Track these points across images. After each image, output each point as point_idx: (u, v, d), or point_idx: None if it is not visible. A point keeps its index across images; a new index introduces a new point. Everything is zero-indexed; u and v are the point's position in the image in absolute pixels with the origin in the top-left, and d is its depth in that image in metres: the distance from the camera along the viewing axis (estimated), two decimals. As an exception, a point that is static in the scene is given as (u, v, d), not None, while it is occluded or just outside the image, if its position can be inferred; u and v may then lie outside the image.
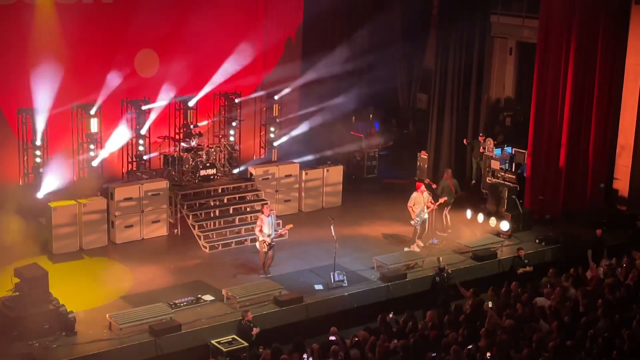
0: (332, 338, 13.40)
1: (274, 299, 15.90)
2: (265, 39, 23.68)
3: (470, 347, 12.87)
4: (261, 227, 17.00)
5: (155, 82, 21.27)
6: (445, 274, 16.98)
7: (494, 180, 21.31)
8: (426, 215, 18.83)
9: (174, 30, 21.52)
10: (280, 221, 18.67)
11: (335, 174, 21.90)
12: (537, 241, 19.39)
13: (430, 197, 18.92)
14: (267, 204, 18.40)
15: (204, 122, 21.96)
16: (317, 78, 23.78)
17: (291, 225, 17.70)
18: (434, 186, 20.43)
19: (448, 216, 20.05)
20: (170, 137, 21.45)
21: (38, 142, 19.44)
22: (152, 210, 19.15)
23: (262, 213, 17.25)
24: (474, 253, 18.50)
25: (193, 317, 15.17)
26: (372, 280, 17.16)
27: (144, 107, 21.02)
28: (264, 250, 17.05)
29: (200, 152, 20.31)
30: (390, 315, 14.59)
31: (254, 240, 18.99)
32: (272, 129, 23.88)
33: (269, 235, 16.97)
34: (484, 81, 24.35)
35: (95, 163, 20.33)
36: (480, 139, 23.13)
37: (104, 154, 20.52)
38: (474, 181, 23.58)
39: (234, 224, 19.51)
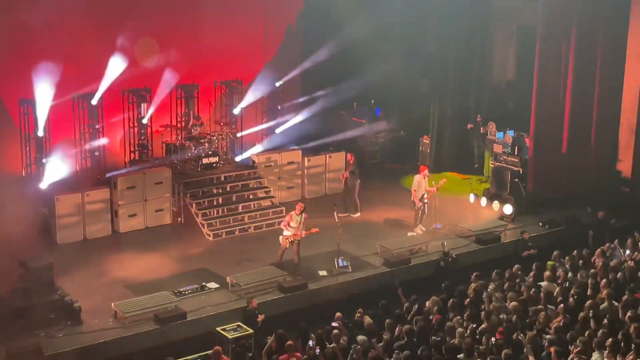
0: (334, 324, 13.42)
1: (278, 285, 15.93)
2: (266, 25, 23.60)
3: (474, 328, 12.90)
4: (288, 222, 16.70)
5: (156, 71, 21.21)
6: (449, 259, 16.98)
7: (496, 163, 21.27)
8: (426, 201, 18.81)
9: (174, 19, 21.47)
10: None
11: (337, 160, 21.89)
12: (540, 224, 19.39)
13: (432, 181, 18.91)
14: (302, 203, 17.33)
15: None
16: (318, 64, 23.70)
17: (317, 229, 16.92)
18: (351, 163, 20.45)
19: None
20: (172, 125, 21.44)
21: (40, 133, 19.42)
22: (156, 199, 19.17)
23: (294, 210, 16.85)
24: (478, 237, 18.50)
25: (198, 305, 15.21)
26: (376, 266, 17.20)
27: (145, 96, 20.98)
28: (286, 246, 16.74)
29: (202, 140, 20.28)
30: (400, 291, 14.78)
31: (257, 227, 19.08)
32: (274, 115, 23.82)
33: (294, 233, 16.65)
34: (486, 65, 24.25)
35: (97, 153, 20.31)
36: (478, 119, 23.12)
37: (106, 143, 20.48)
38: (476, 165, 23.57)
39: (237, 211, 19.54)
